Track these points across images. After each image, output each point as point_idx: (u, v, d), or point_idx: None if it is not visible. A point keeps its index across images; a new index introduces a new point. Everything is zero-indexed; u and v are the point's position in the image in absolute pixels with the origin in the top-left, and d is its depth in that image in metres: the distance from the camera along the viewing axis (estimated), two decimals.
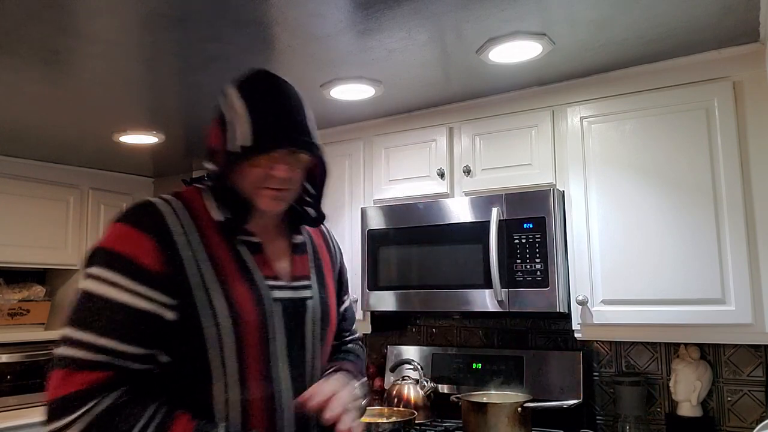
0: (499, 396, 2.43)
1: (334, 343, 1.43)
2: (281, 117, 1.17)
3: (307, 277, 1.30)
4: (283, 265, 1.27)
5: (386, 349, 3.00)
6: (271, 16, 1.78)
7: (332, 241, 1.47)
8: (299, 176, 1.23)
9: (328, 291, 1.34)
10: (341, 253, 1.50)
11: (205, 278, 1.14)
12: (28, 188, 3.41)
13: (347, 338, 1.49)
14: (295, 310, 1.23)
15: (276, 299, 1.20)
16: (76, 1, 1.68)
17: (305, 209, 1.33)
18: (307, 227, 1.38)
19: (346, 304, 1.50)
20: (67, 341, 1.06)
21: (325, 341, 1.31)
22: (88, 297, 1.08)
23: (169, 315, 1.10)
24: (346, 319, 1.49)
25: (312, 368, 1.26)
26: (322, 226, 1.44)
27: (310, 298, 1.27)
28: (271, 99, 1.19)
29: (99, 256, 1.11)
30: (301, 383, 1.22)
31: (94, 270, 1.09)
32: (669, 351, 2.40)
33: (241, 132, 1.15)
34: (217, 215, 1.20)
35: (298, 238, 1.33)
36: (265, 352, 1.17)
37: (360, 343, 1.54)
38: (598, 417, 2.51)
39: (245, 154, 1.15)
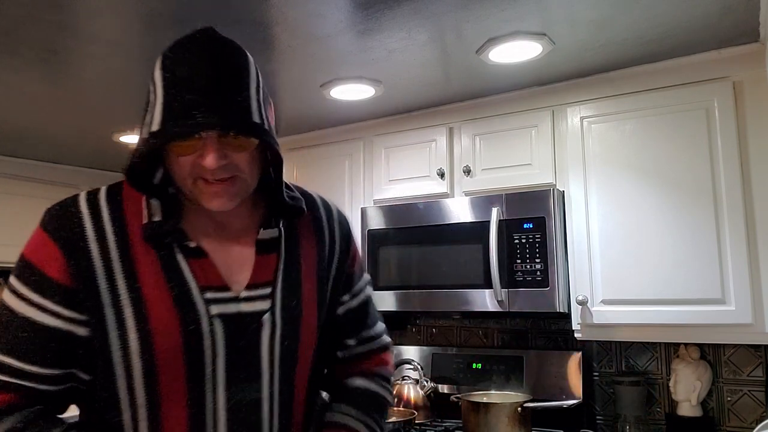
0: (499, 396, 2.43)
1: (340, 354, 1.20)
2: (202, 91, 0.92)
3: (268, 284, 1.05)
4: (236, 272, 1.04)
5: None
6: (271, 16, 1.78)
7: (330, 226, 1.18)
8: (244, 163, 0.98)
9: (301, 296, 1.08)
10: (346, 239, 1.20)
11: (118, 293, 0.96)
12: (28, 188, 3.40)
13: (356, 349, 1.21)
14: (244, 327, 1.01)
15: (216, 315, 0.99)
16: (76, 1, 1.68)
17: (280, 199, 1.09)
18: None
19: (352, 304, 1.20)
20: None
21: (296, 361, 1.06)
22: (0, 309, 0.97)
23: (82, 331, 0.96)
24: (348, 321, 1.20)
25: (271, 396, 1.03)
26: (322, 207, 1.19)
27: (268, 310, 1.03)
28: (194, 68, 0.93)
29: (17, 264, 0.99)
30: (245, 417, 1.00)
31: (11, 279, 0.98)
32: (669, 351, 2.40)
33: (155, 113, 0.94)
34: (145, 216, 1.00)
35: (265, 233, 1.08)
36: (193, 381, 0.97)
37: (383, 367, 1.23)
38: (598, 417, 2.51)
39: (154, 142, 0.93)
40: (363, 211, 2.65)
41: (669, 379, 2.34)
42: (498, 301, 2.28)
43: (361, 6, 1.73)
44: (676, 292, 2.07)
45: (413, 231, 2.51)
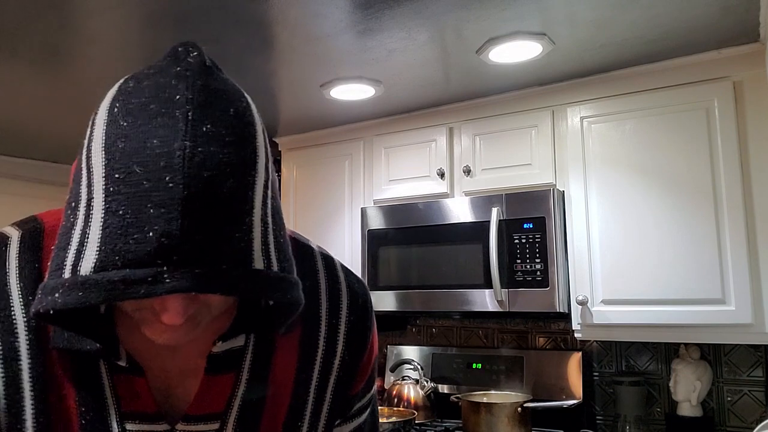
0: (499, 396, 2.43)
1: None
2: (172, 217, 0.54)
3: (216, 417, 0.75)
4: (176, 394, 0.75)
5: (386, 349, 3.00)
6: (272, 16, 1.78)
7: (333, 327, 0.81)
8: (219, 301, 0.65)
9: None
10: (356, 350, 0.83)
11: (19, 411, 0.69)
12: (28, 188, 3.41)
13: None
14: None
15: None
16: (76, 1, 1.68)
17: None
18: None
19: (343, 430, 0.88)
20: None
21: None
22: None
23: None
24: None
25: None
26: (326, 292, 0.82)
27: None
28: (159, 162, 0.56)
29: None
30: None
31: None
32: (669, 351, 2.40)
33: (88, 240, 0.57)
34: (58, 335, 0.69)
35: (222, 346, 0.74)
36: None
37: None
38: (598, 417, 2.51)
39: (81, 297, 0.55)
40: (363, 211, 2.65)
41: (669, 379, 2.34)
42: (498, 301, 2.28)
43: (361, 6, 1.73)
44: (676, 292, 2.07)
45: (413, 231, 2.51)
